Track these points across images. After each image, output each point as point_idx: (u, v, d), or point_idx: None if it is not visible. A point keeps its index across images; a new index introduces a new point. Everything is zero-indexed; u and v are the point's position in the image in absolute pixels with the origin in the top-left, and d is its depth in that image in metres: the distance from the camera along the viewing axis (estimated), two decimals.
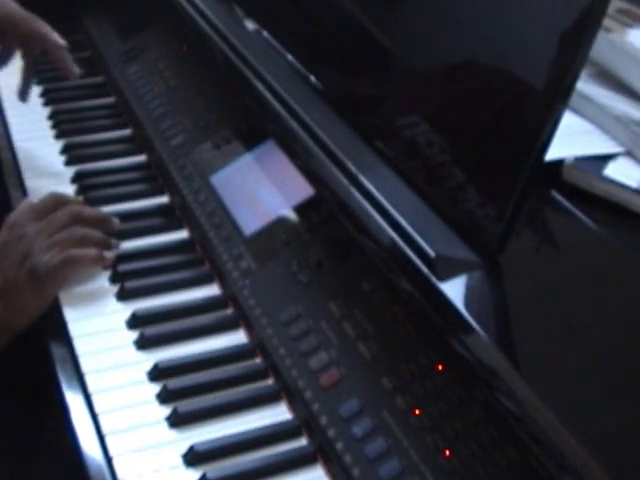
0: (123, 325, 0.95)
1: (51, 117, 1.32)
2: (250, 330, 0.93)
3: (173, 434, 0.83)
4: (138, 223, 1.10)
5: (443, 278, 0.75)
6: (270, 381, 0.89)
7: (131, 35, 1.41)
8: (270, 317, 0.91)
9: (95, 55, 1.47)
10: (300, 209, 0.98)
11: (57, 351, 0.93)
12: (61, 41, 1.24)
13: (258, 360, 0.91)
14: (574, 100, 0.76)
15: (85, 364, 0.90)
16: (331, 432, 0.80)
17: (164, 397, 0.86)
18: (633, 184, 0.84)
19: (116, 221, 1.07)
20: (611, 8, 0.98)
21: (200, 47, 1.22)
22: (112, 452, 0.81)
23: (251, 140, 1.10)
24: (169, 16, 1.32)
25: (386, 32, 0.93)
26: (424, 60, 0.89)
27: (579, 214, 0.83)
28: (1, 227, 1.02)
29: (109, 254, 1.02)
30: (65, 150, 1.24)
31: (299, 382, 0.84)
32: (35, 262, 0.97)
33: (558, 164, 0.87)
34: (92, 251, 1.01)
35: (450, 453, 0.73)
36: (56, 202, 1.06)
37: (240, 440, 0.82)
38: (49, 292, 0.97)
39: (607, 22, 0.96)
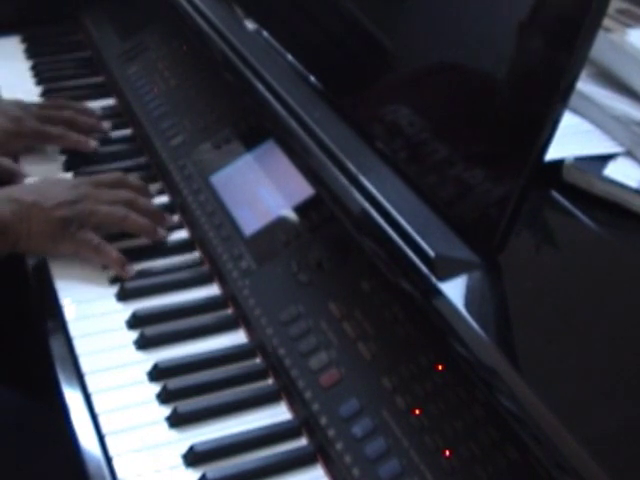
0: (123, 325, 0.95)
1: None
2: (250, 330, 0.93)
3: (173, 434, 0.83)
4: None
5: (443, 278, 0.75)
6: (270, 381, 0.89)
7: (131, 35, 1.41)
8: (270, 317, 0.91)
9: (95, 55, 1.47)
10: (300, 209, 0.98)
11: (57, 351, 0.93)
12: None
13: (258, 360, 0.91)
14: (574, 100, 0.76)
15: (85, 364, 0.90)
16: (331, 432, 0.80)
17: (164, 397, 0.86)
18: (633, 184, 0.84)
19: (170, 218, 1.08)
20: (611, 8, 0.98)
21: (200, 47, 1.22)
22: (112, 452, 0.81)
23: (251, 140, 1.10)
24: (169, 16, 1.32)
25: (386, 31, 0.93)
26: (424, 60, 0.89)
27: (579, 214, 0.83)
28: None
29: (162, 231, 1.05)
30: (65, 150, 1.24)
31: (299, 382, 0.84)
32: (79, 207, 1.01)
33: (558, 164, 0.87)
34: (146, 220, 1.04)
35: (450, 453, 0.73)
36: (119, 182, 1.09)
37: (240, 440, 0.82)
38: (70, 240, 1.00)
39: (607, 22, 0.96)
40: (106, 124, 1.28)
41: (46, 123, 1.23)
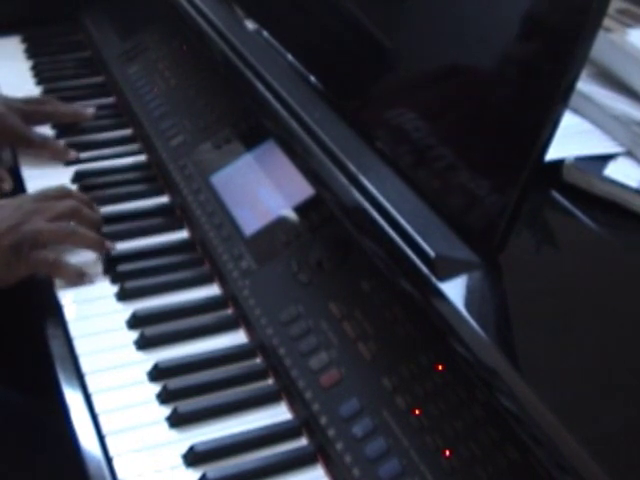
0: (123, 325, 0.95)
1: None
2: (250, 330, 0.93)
3: (173, 434, 0.83)
4: (138, 223, 1.10)
5: (443, 278, 0.75)
6: (270, 381, 0.89)
7: (131, 35, 1.41)
8: (270, 317, 0.91)
9: (95, 55, 1.47)
10: (300, 209, 0.98)
11: (57, 351, 0.93)
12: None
13: (258, 360, 0.91)
14: (574, 100, 0.76)
15: (85, 364, 0.90)
16: (331, 432, 0.80)
17: (164, 397, 0.86)
18: (633, 184, 0.84)
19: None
20: (611, 8, 0.98)
21: (200, 47, 1.22)
22: (112, 452, 0.81)
23: (251, 140, 1.10)
24: (169, 16, 1.32)
25: (386, 31, 0.93)
26: (424, 60, 0.89)
27: (579, 214, 0.83)
28: None
29: (110, 244, 1.04)
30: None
31: (299, 382, 0.84)
32: (25, 229, 0.98)
33: (558, 164, 0.87)
34: (94, 234, 1.02)
35: (450, 453, 0.73)
36: (62, 193, 1.08)
37: (240, 440, 0.82)
38: (25, 263, 0.98)
39: (607, 22, 0.96)
40: (90, 110, 1.29)
41: (30, 120, 1.23)
